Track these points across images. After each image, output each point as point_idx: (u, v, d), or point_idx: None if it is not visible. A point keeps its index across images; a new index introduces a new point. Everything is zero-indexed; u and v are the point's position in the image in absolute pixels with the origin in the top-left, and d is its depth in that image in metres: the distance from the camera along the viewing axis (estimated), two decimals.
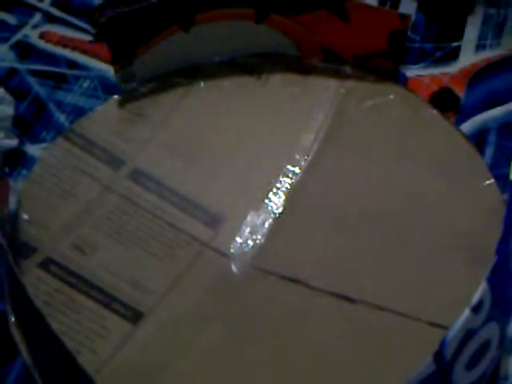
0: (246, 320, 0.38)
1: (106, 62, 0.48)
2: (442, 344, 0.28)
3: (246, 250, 0.40)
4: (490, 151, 0.46)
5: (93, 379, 0.30)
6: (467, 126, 0.47)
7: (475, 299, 0.29)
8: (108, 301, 0.38)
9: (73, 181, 0.42)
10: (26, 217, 0.41)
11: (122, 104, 0.46)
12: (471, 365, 0.31)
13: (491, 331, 0.32)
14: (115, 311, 0.37)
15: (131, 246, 0.40)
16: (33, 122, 0.47)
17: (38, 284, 0.38)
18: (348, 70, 0.47)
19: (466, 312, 0.29)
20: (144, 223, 0.41)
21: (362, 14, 0.45)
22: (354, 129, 0.45)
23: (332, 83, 0.47)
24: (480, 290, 0.30)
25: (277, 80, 0.47)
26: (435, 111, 0.46)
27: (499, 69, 0.50)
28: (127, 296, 0.38)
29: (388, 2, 0.52)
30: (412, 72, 0.49)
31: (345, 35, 0.46)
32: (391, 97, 0.46)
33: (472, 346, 0.30)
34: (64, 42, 0.51)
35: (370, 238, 0.40)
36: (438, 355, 0.28)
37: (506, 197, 0.40)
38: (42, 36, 0.51)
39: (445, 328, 0.35)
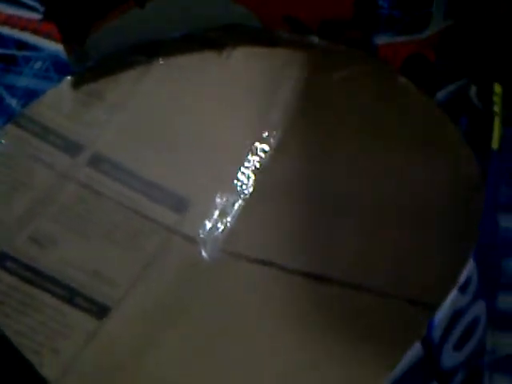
0: (220, 308, 0.36)
1: (58, 41, 0.46)
2: (430, 328, 0.27)
3: (215, 234, 0.38)
4: (465, 120, 0.44)
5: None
6: (441, 94, 0.45)
7: (462, 278, 0.28)
8: (70, 296, 0.35)
9: (26, 170, 0.40)
10: None
11: (76, 85, 0.43)
12: (460, 345, 0.29)
13: (479, 310, 0.30)
14: (78, 307, 0.35)
15: (93, 237, 0.38)
16: None
17: None
18: (315, 40, 0.45)
19: (454, 292, 0.27)
20: (106, 212, 0.39)
21: None
22: (324, 102, 0.43)
23: (299, 55, 0.44)
24: (466, 269, 0.28)
25: (240, 54, 0.45)
26: (407, 80, 0.43)
27: (469, 33, 0.48)
28: (91, 290, 0.36)
29: None
30: (381, 39, 0.47)
31: (309, 2, 0.44)
32: (361, 67, 0.44)
33: (460, 326, 0.29)
34: (12, 22, 0.48)
35: (345, 216, 0.38)
36: (427, 339, 0.27)
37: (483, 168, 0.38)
38: None
39: (426, 305, 0.34)
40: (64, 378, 0.32)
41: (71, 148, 0.41)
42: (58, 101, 0.42)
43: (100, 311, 0.35)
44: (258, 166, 0.40)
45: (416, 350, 0.26)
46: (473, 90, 0.45)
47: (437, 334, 0.27)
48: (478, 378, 0.34)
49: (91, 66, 0.44)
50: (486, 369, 0.35)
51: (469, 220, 0.32)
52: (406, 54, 0.47)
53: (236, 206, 0.39)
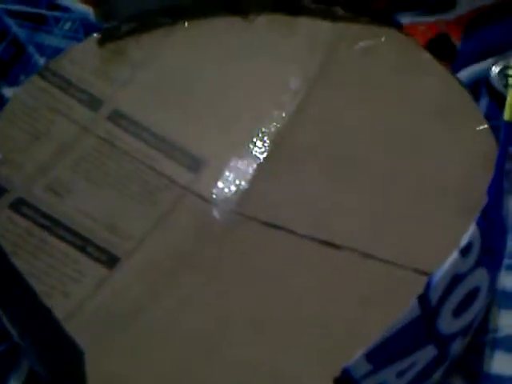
0: (227, 267, 0.36)
1: (87, 3, 0.46)
2: (428, 287, 0.27)
3: (228, 195, 0.39)
4: (484, 102, 0.44)
5: (59, 321, 0.28)
6: (462, 75, 0.45)
7: (464, 241, 0.28)
8: (82, 244, 0.36)
9: (48, 121, 0.40)
10: None
11: (101, 42, 0.44)
12: (458, 312, 0.29)
13: (480, 278, 0.30)
14: (90, 255, 0.36)
15: (108, 189, 0.39)
16: (11, 64, 0.45)
17: (8, 225, 0.36)
18: (339, 10, 0.45)
19: (454, 254, 0.28)
20: (123, 166, 0.39)
21: None
22: (345, 72, 0.43)
23: (322, 24, 0.45)
24: (469, 233, 0.28)
25: (264, 20, 0.45)
26: (430, 55, 0.44)
27: (496, 17, 0.48)
28: (103, 240, 0.37)
29: None
30: (407, 19, 0.47)
31: None
32: (384, 39, 0.44)
33: (460, 292, 0.29)
34: None
35: (358, 184, 0.39)
36: (424, 298, 0.27)
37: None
38: None
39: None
40: (72, 320, 0.33)
41: (92, 102, 0.41)
42: (83, 56, 0.43)
43: (110, 261, 0.36)
44: (274, 131, 0.41)
45: (413, 307, 0.27)
46: (494, 72, 0.45)
47: (435, 294, 0.27)
48: (478, 354, 0.34)
49: (117, 24, 0.45)
50: (487, 346, 0.35)
51: (479, 193, 0.32)
52: (430, 35, 0.47)
53: (250, 169, 0.40)
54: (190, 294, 0.35)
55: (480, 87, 0.45)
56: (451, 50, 0.46)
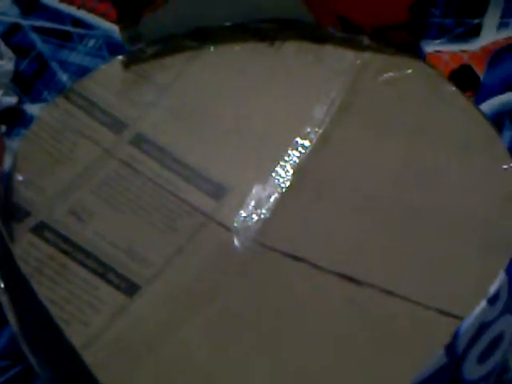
0: (247, 298, 0.36)
1: (112, 21, 0.46)
2: (455, 336, 0.27)
3: (249, 224, 0.39)
4: (508, 134, 0.44)
5: (78, 352, 0.28)
6: (485, 107, 0.45)
7: (492, 290, 0.28)
8: (103, 271, 0.36)
9: (71, 143, 0.40)
10: (20, 178, 0.39)
11: (126, 65, 0.44)
12: (483, 358, 0.29)
13: (505, 324, 0.30)
14: (110, 282, 0.36)
15: (130, 215, 0.38)
16: (34, 80, 0.45)
17: (30, 249, 0.36)
18: (365, 40, 0.45)
19: (482, 303, 0.27)
20: (145, 191, 0.39)
21: None
22: (369, 102, 0.43)
23: (348, 54, 0.44)
24: (498, 281, 0.28)
25: (290, 47, 0.45)
26: (455, 88, 0.43)
27: None
28: (123, 267, 0.36)
29: None
30: (431, 47, 0.47)
31: (364, 4, 0.44)
32: (410, 71, 0.44)
33: (485, 339, 0.29)
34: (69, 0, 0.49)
35: (381, 218, 0.38)
36: (451, 348, 0.27)
37: None
38: None
39: (456, 317, 0.34)
40: (90, 350, 0.33)
41: (116, 125, 0.41)
42: (108, 78, 0.43)
43: (130, 289, 0.36)
44: (297, 161, 0.41)
45: (439, 357, 0.26)
46: None
47: (461, 343, 0.27)
48: None
49: (143, 47, 0.44)
50: None
51: (503, 231, 0.32)
52: (454, 65, 0.46)
53: (272, 198, 0.39)
54: (206, 327, 0.35)
55: (503, 119, 0.44)
56: (474, 82, 0.46)
